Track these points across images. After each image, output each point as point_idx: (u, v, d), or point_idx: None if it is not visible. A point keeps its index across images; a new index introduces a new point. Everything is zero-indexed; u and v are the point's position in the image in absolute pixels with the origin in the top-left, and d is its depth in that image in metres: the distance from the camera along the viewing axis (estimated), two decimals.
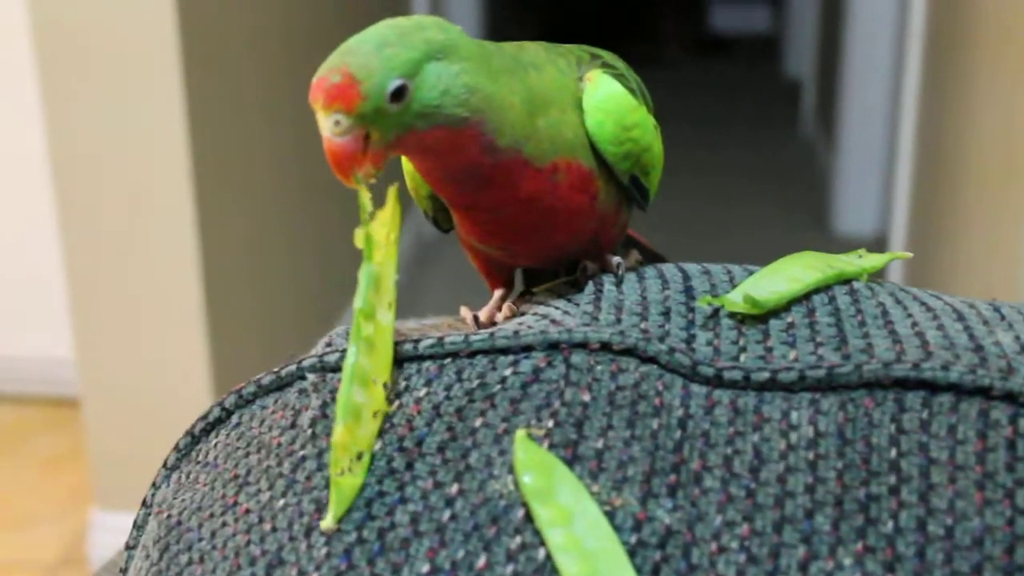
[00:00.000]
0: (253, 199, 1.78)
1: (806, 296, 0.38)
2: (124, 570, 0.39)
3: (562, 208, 0.40)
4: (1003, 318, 0.37)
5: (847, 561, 0.30)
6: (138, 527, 0.39)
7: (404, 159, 0.42)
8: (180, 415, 1.61)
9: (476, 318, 0.42)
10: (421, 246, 2.92)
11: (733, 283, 0.39)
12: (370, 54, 0.35)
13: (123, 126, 1.49)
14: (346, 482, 0.33)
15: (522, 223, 0.41)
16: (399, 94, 0.36)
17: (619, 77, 0.42)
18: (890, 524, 0.31)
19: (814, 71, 3.90)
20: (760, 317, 0.37)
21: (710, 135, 3.85)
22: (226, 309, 1.65)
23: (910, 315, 0.37)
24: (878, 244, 2.79)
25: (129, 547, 0.39)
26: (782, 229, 3.10)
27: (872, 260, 0.40)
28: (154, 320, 1.58)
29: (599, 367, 0.34)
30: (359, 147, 0.36)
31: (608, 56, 0.43)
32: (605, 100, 0.41)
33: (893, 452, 0.32)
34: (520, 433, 0.32)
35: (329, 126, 0.36)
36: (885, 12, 2.86)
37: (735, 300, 0.37)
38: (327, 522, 0.32)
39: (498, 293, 0.44)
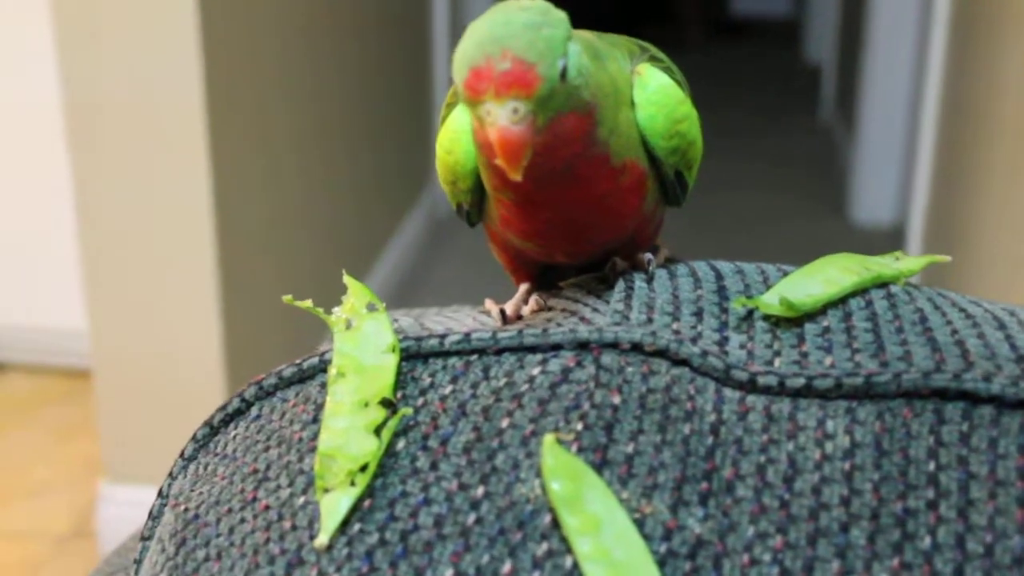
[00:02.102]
0: (270, 167, 1.77)
1: (842, 300, 0.37)
2: (139, 561, 0.38)
3: (619, 208, 0.40)
4: None
5: None
6: (153, 518, 0.38)
7: (444, 149, 0.41)
8: (192, 390, 1.61)
9: (503, 312, 0.41)
10: (434, 227, 2.91)
11: (767, 284, 0.38)
12: (531, 36, 0.34)
13: (141, 91, 1.48)
14: (338, 497, 0.32)
15: (580, 222, 0.40)
16: (563, 75, 0.34)
17: (666, 70, 0.41)
18: (928, 540, 0.30)
19: (835, 57, 3.88)
20: (795, 320, 0.36)
21: (729, 120, 3.83)
22: (240, 283, 1.64)
23: (949, 322, 0.36)
24: (896, 234, 2.77)
25: (144, 538, 0.38)
26: (799, 216, 3.09)
27: (910, 263, 0.39)
28: (167, 293, 1.58)
29: (630, 369, 0.34)
30: (532, 134, 0.34)
31: (653, 49, 0.42)
32: (656, 93, 0.40)
33: (932, 465, 0.31)
34: (549, 438, 0.32)
35: (507, 115, 0.34)
36: None
37: (770, 302, 0.36)
38: (320, 540, 0.31)
39: (524, 286, 0.43)
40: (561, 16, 0.35)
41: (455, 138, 0.41)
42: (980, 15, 1.81)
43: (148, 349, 1.62)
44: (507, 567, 0.30)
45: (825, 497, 0.31)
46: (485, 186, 0.40)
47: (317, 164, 2.02)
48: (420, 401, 0.34)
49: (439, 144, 0.42)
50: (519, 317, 0.41)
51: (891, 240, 2.78)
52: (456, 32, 3.06)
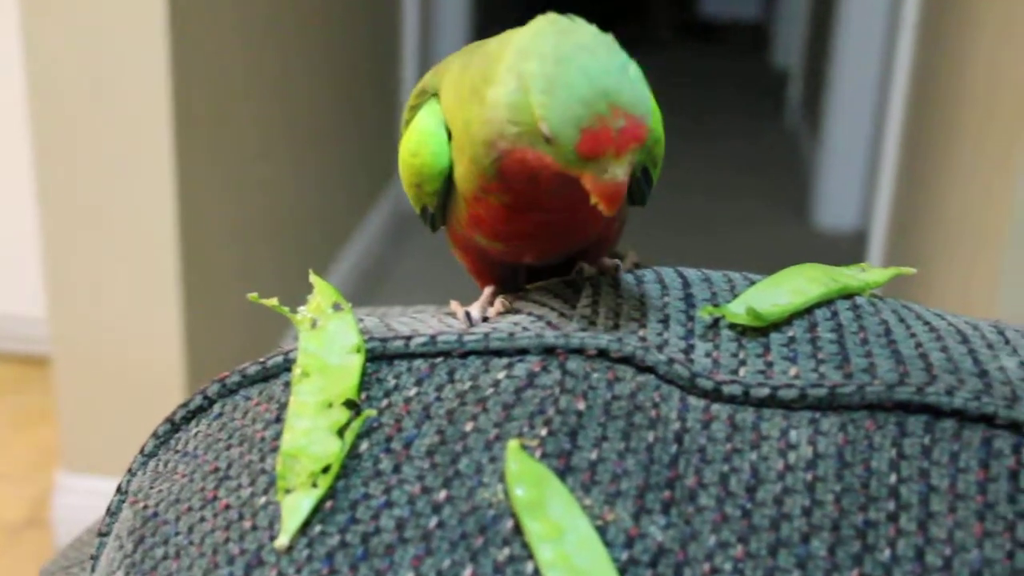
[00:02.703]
0: (234, 161, 1.76)
1: (808, 310, 0.37)
2: (95, 557, 0.38)
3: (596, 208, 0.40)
4: (1007, 342, 0.36)
5: None
6: (111, 514, 0.38)
7: (409, 152, 0.41)
8: (152, 381, 1.60)
9: (468, 314, 0.41)
10: (398, 222, 2.90)
11: (734, 292, 0.38)
12: (630, 85, 0.34)
13: (105, 78, 1.47)
14: (299, 498, 0.32)
15: (562, 223, 0.40)
16: None
17: None
18: (887, 552, 0.30)
19: (802, 62, 3.90)
20: (761, 329, 0.36)
21: (696, 122, 3.84)
22: (202, 274, 1.63)
23: (913, 335, 0.36)
24: (859, 239, 2.79)
25: (101, 534, 0.38)
26: (763, 220, 3.10)
27: (875, 275, 0.40)
28: (129, 283, 1.57)
29: (595, 375, 0.34)
30: None
31: None
32: None
33: (893, 477, 0.31)
34: (513, 443, 0.31)
35: (626, 170, 0.34)
36: (877, 4, 2.86)
37: (737, 312, 0.36)
38: (280, 540, 0.31)
39: (489, 289, 0.43)
40: (613, 40, 0.35)
41: (422, 140, 0.40)
42: (947, 23, 1.82)
43: (108, 338, 1.60)
44: (468, 572, 0.30)
45: (787, 507, 0.31)
46: (463, 188, 0.40)
47: (281, 157, 2.01)
48: (384, 403, 0.34)
49: (403, 147, 0.41)
50: (485, 319, 0.40)
51: (854, 245, 2.80)
52: (426, 27, 3.05)
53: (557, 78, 0.34)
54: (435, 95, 0.41)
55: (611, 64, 0.34)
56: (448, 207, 0.42)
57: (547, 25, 0.35)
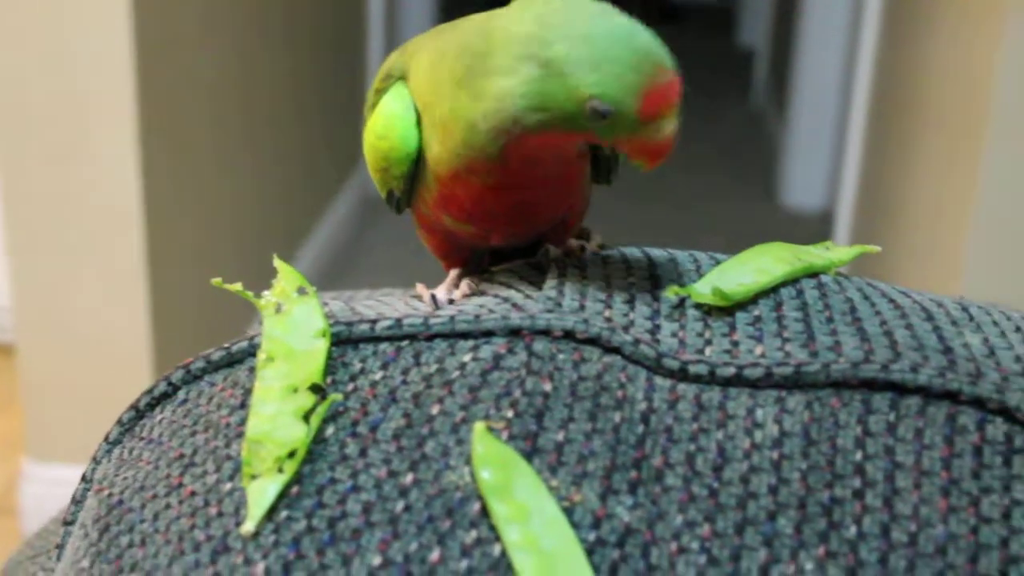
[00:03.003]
0: (198, 146, 1.75)
1: (773, 289, 0.37)
2: (61, 546, 0.38)
3: (568, 186, 0.41)
4: (971, 319, 0.36)
5: (808, 566, 0.30)
6: (76, 502, 0.38)
7: (376, 135, 0.41)
8: (117, 369, 1.59)
9: (434, 297, 0.40)
10: (365, 206, 2.89)
11: (700, 272, 0.38)
12: (659, 43, 0.35)
13: (66, 62, 1.45)
14: (265, 484, 0.32)
15: (538, 201, 0.41)
16: None
17: None
18: (853, 529, 0.30)
19: (768, 42, 3.91)
20: (726, 309, 0.36)
21: None
22: (167, 258, 1.62)
23: (878, 312, 0.36)
24: (825, 218, 2.80)
25: (67, 522, 0.38)
26: (730, 200, 3.11)
27: (840, 253, 0.40)
28: (93, 270, 1.55)
29: (561, 356, 0.34)
30: None
31: None
32: None
33: (859, 455, 0.31)
34: (479, 426, 0.31)
35: (675, 123, 0.36)
36: None
37: (703, 291, 0.36)
38: (246, 526, 0.31)
39: (455, 271, 0.43)
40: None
41: (389, 124, 0.40)
42: (912, 2, 1.83)
43: (72, 326, 1.59)
44: (435, 555, 0.30)
45: (753, 486, 0.31)
46: (437, 169, 0.40)
47: (245, 143, 2.00)
48: (350, 387, 0.34)
49: (369, 131, 0.41)
50: (450, 301, 0.40)
51: (821, 225, 2.81)
52: (391, 9, 3.04)
53: (597, 54, 0.35)
54: (401, 78, 0.41)
55: (632, 27, 0.35)
56: (415, 190, 0.42)
57: (542, 5, 0.36)
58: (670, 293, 0.36)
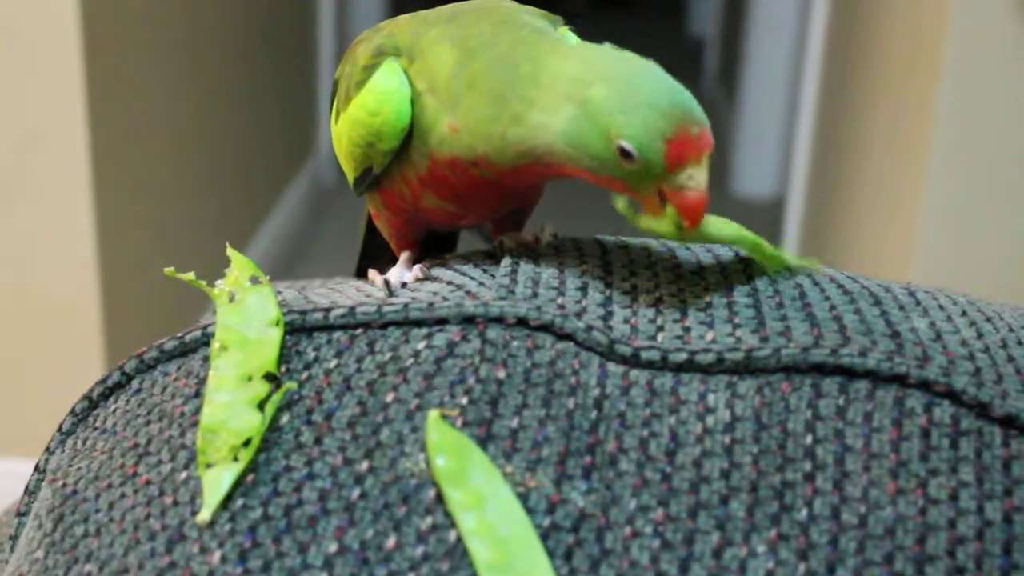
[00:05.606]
0: (150, 133, 1.74)
1: (724, 275, 0.38)
2: (14, 538, 0.37)
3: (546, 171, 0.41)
4: (918, 303, 0.37)
5: (761, 548, 0.30)
6: (30, 493, 0.37)
7: (367, 111, 0.41)
8: (68, 360, 1.58)
9: (387, 282, 0.40)
10: (318, 195, 2.88)
11: (651, 259, 0.39)
12: (693, 98, 0.36)
13: (12, 50, 1.44)
14: (220, 472, 0.32)
15: (521, 193, 0.42)
16: None
17: None
18: (804, 511, 0.31)
19: (718, 30, 3.92)
20: (678, 296, 0.36)
21: None
22: (119, 247, 1.61)
23: (828, 298, 0.36)
24: (776, 206, 2.82)
25: (20, 514, 0.38)
26: None
27: (788, 257, 0.40)
28: (43, 258, 1.54)
29: (515, 343, 0.34)
30: None
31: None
32: None
33: (809, 438, 0.32)
34: (433, 414, 0.32)
35: (706, 173, 0.36)
36: None
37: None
38: (202, 515, 0.31)
39: (406, 254, 0.43)
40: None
41: (383, 99, 0.40)
42: None
43: (22, 317, 1.58)
44: (391, 541, 0.30)
45: (706, 470, 0.31)
46: (438, 150, 0.40)
47: (196, 131, 1.98)
48: (304, 375, 0.34)
49: (358, 107, 0.41)
50: (403, 285, 0.40)
51: (772, 212, 2.83)
52: (342, 2, 3.03)
53: (632, 99, 0.35)
54: (394, 56, 0.41)
55: (672, 82, 0.36)
56: (392, 167, 0.42)
57: (590, 51, 0.38)
58: (619, 205, 0.37)
